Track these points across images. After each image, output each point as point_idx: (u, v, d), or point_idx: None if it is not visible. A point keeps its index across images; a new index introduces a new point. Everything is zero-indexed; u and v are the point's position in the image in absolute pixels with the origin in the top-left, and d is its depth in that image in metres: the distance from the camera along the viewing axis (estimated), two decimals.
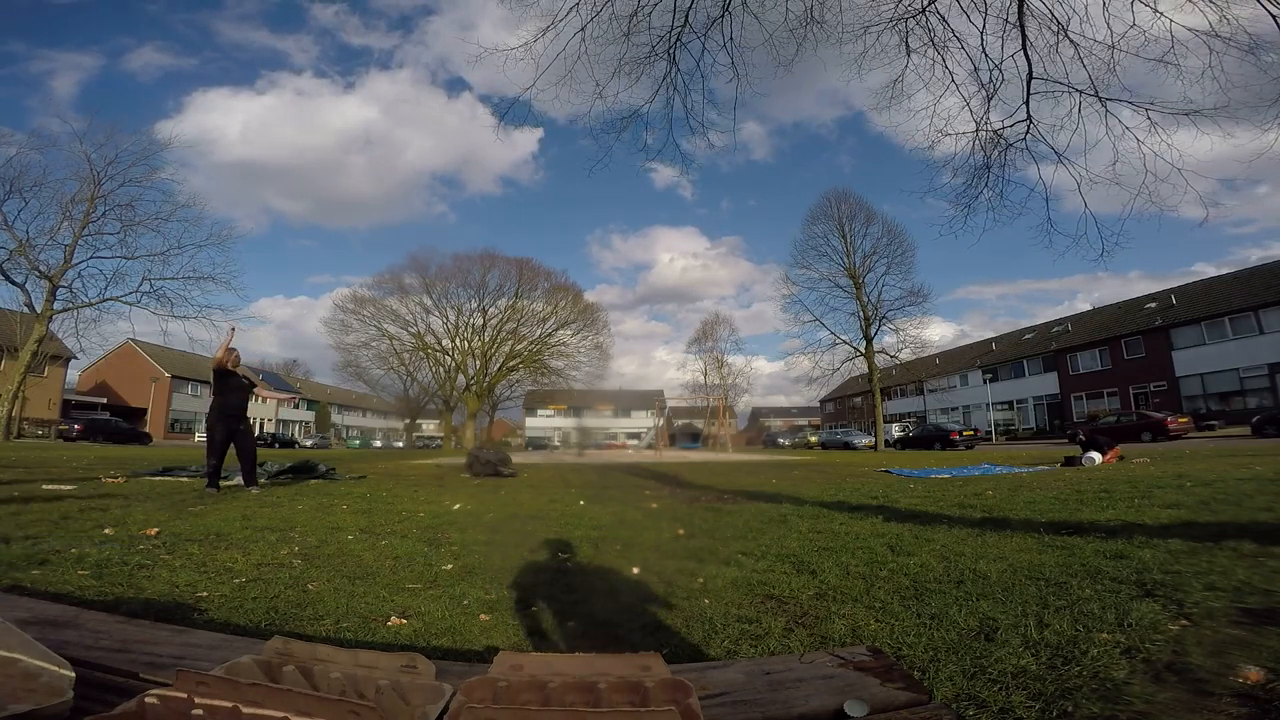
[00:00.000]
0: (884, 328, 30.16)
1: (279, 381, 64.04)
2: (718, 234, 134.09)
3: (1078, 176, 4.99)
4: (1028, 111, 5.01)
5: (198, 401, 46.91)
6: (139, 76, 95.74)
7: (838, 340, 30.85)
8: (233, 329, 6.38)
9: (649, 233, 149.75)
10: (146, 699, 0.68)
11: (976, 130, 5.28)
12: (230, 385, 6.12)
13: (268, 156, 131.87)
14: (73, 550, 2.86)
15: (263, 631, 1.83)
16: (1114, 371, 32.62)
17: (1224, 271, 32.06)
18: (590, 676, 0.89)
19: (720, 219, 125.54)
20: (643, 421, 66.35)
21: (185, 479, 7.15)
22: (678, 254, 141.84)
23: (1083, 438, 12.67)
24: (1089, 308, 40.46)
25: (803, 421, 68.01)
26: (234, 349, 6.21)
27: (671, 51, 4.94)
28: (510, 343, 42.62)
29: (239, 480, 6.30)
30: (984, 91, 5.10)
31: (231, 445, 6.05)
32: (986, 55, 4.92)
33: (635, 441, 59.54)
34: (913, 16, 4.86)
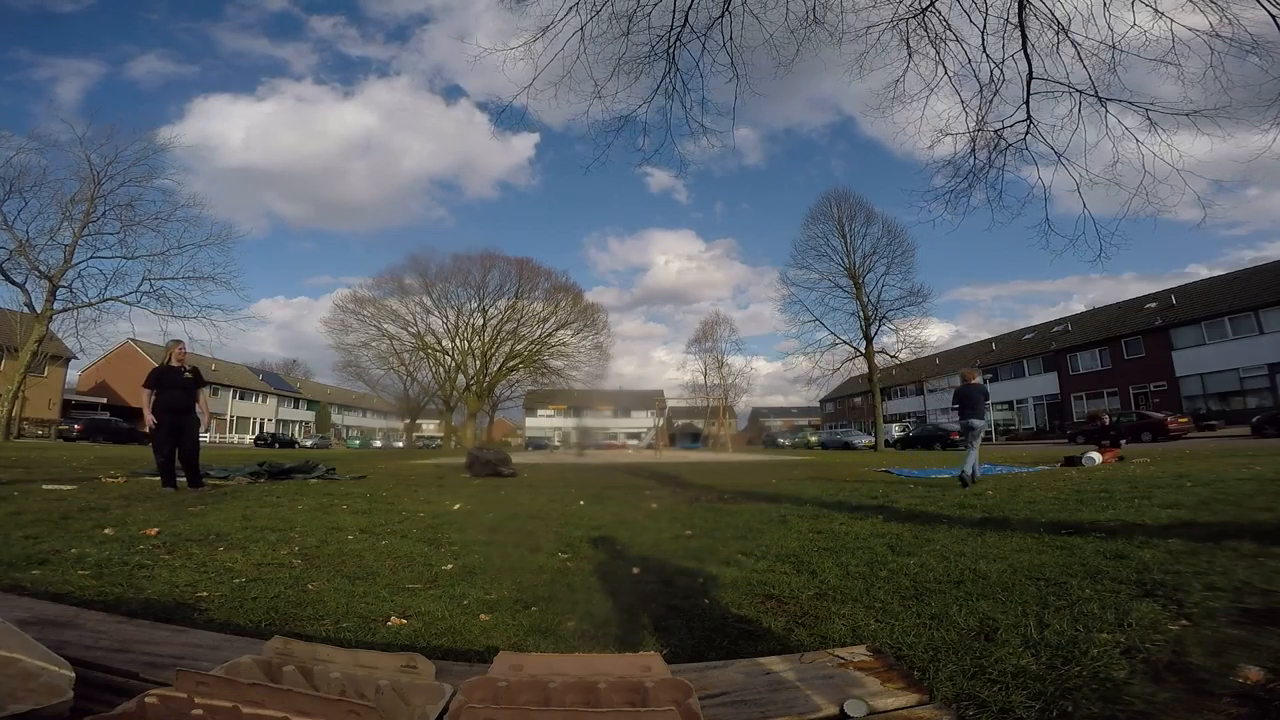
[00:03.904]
0: (884, 327, 30.19)
1: (279, 381, 64.00)
2: (712, 236, 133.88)
3: (1077, 177, 5.00)
4: (1028, 111, 5.01)
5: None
6: (141, 83, 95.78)
7: (837, 340, 30.86)
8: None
9: (645, 235, 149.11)
10: (146, 699, 0.68)
11: (976, 130, 5.29)
12: (169, 381, 6.17)
13: (269, 162, 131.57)
14: (73, 550, 2.86)
15: (263, 631, 1.83)
16: (1114, 371, 32.60)
17: (1218, 273, 32.08)
18: (590, 676, 0.89)
19: (715, 222, 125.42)
20: (643, 421, 66.27)
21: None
22: (673, 256, 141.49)
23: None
24: (1084, 309, 40.48)
25: (803, 421, 67.89)
26: (180, 340, 6.51)
27: (671, 52, 4.94)
28: (510, 343, 42.57)
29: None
30: (984, 92, 5.11)
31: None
32: (987, 55, 4.92)
33: (635, 442, 59.49)
34: (914, 17, 4.86)
